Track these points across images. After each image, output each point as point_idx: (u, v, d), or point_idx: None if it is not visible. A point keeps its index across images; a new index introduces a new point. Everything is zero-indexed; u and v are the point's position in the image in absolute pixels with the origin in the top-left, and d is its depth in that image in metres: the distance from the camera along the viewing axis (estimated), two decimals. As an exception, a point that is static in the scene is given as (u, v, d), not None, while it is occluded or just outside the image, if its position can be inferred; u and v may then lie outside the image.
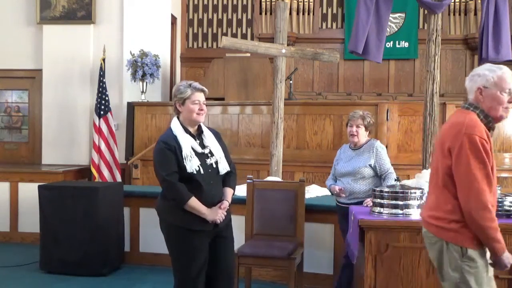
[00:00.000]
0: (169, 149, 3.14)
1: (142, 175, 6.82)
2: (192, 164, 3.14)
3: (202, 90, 3.29)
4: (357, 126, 4.15)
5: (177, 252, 3.28)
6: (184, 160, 3.13)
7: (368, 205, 3.79)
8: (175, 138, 3.19)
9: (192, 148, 3.19)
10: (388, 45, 8.65)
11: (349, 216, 3.79)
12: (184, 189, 3.12)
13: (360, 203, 4.01)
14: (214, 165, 3.26)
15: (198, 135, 3.30)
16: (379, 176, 4.13)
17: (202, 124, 3.34)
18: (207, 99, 3.30)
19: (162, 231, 3.33)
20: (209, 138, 3.32)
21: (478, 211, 2.43)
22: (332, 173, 4.36)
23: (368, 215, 3.44)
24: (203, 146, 3.26)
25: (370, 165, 4.07)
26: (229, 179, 3.37)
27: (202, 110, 3.25)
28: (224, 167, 3.30)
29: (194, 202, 3.14)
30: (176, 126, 3.24)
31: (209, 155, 3.26)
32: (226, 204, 3.28)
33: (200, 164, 3.17)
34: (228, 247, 3.38)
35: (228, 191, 3.36)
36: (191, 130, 3.27)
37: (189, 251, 3.22)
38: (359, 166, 4.08)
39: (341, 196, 4.13)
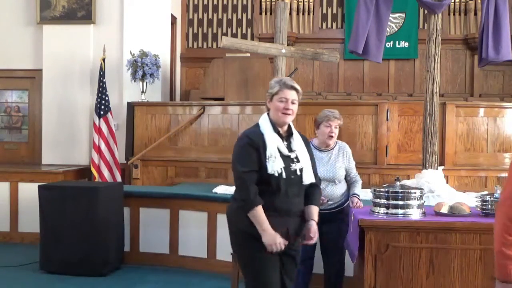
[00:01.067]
0: (252, 145, 2.87)
1: (142, 175, 6.82)
2: (274, 165, 2.84)
3: (293, 88, 2.96)
4: (335, 127, 4.00)
5: (246, 259, 2.97)
6: (267, 160, 2.85)
7: (360, 206, 3.86)
8: (261, 135, 2.91)
9: (278, 149, 2.90)
10: (388, 45, 8.64)
11: (349, 216, 3.79)
12: (256, 193, 2.83)
13: (339, 206, 4.04)
14: (299, 172, 2.94)
15: (286, 137, 3.00)
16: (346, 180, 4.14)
17: (292, 126, 3.03)
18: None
19: (230, 236, 3.05)
20: (297, 143, 3.01)
21: (497, 223, 2.16)
22: None
23: (368, 215, 3.44)
24: (290, 149, 2.96)
25: (345, 169, 4.06)
26: (313, 195, 3.06)
27: (288, 109, 2.92)
28: (309, 177, 2.97)
29: (259, 212, 2.82)
30: (264, 123, 2.97)
31: (295, 160, 2.95)
32: (314, 229, 2.98)
33: (284, 167, 2.87)
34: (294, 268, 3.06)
35: (314, 210, 3.03)
36: (280, 130, 2.98)
37: (259, 261, 2.90)
38: (337, 171, 4.01)
39: (322, 204, 3.84)
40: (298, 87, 2.98)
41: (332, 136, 3.99)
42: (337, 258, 4.08)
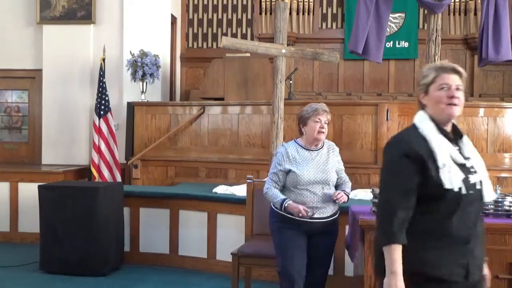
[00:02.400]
0: (410, 156, 2.15)
1: (142, 175, 6.82)
2: (452, 177, 2.12)
3: (454, 70, 2.27)
4: (325, 122, 3.54)
5: None
6: (440, 171, 2.13)
7: (343, 200, 3.50)
8: (423, 139, 2.20)
9: (451, 157, 2.18)
10: (388, 45, 8.64)
11: (348, 217, 3.75)
12: (402, 225, 2.14)
13: (333, 215, 3.57)
14: (478, 186, 2.20)
15: (454, 139, 2.27)
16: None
17: (456, 124, 2.31)
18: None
19: (381, 274, 2.21)
20: (469, 147, 2.28)
21: None
22: (274, 180, 3.58)
23: (368, 215, 3.44)
24: (463, 155, 2.23)
25: (336, 171, 3.62)
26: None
27: (453, 97, 2.20)
28: (490, 192, 2.25)
29: (397, 252, 2.12)
30: (424, 123, 2.24)
31: (472, 170, 2.21)
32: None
33: (463, 180, 2.15)
34: None
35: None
36: (446, 129, 2.26)
37: None
38: (330, 172, 3.54)
39: (305, 217, 3.43)
40: (461, 69, 2.30)
41: (322, 132, 3.53)
42: (322, 272, 3.66)
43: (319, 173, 3.51)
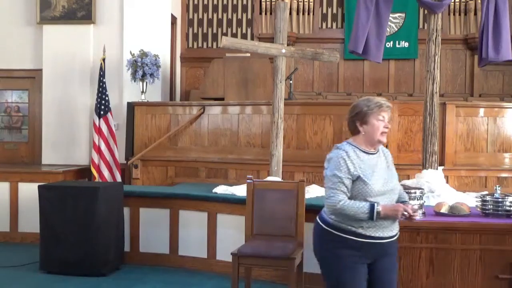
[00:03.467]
0: None
1: (142, 175, 6.82)
2: None
3: None
4: (388, 121, 2.94)
5: None
6: None
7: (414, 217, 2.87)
8: None
9: None
10: (388, 45, 8.65)
11: None
12: None
13: (397, 233, 2.98)
14: None
15: None
16: None
17: None
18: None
19: None
20: None
21: None
22: (343, 191, 2.82)
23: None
24: None
25: None
26: None
27: None
28: None
29: None
30: None
31: None
32: None
33: None
34: None
35: None
36: None
37: None
38: (396, 180, 3.00)
39: (412, 219, 2.84)
40: None
41: (386, 133, 2.93)
42: None
43: (388, 182, 2.92)
